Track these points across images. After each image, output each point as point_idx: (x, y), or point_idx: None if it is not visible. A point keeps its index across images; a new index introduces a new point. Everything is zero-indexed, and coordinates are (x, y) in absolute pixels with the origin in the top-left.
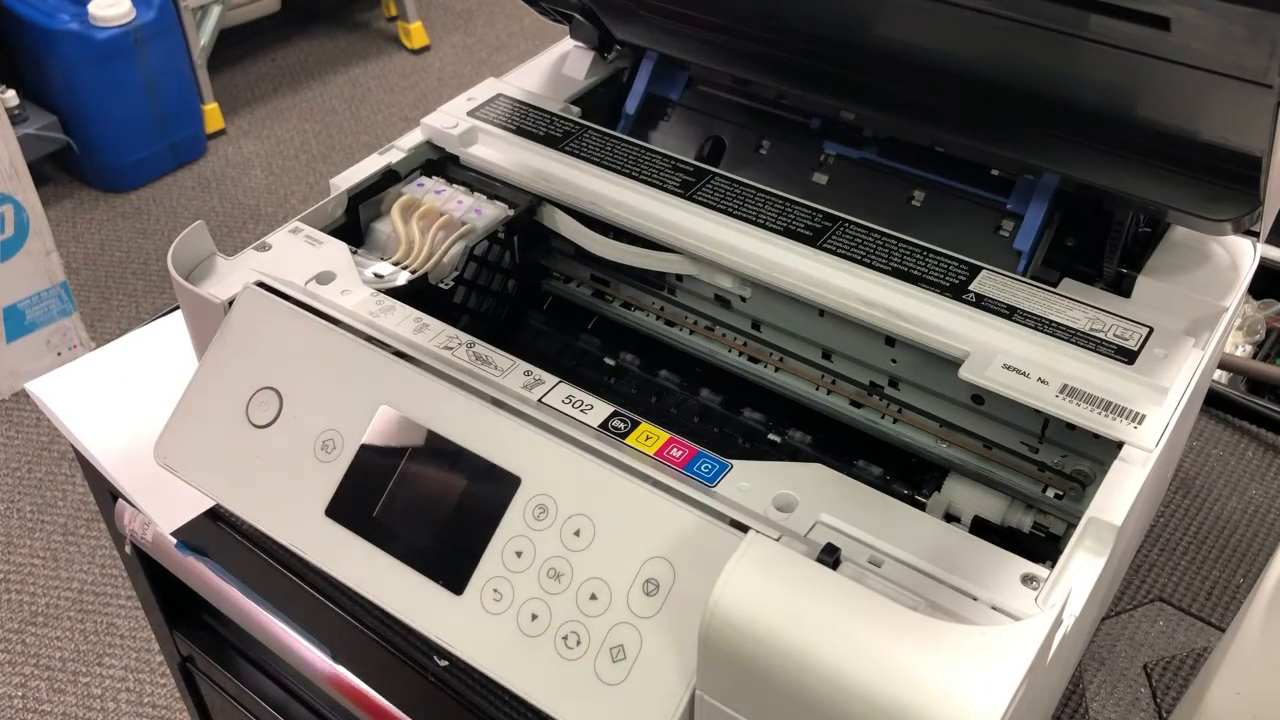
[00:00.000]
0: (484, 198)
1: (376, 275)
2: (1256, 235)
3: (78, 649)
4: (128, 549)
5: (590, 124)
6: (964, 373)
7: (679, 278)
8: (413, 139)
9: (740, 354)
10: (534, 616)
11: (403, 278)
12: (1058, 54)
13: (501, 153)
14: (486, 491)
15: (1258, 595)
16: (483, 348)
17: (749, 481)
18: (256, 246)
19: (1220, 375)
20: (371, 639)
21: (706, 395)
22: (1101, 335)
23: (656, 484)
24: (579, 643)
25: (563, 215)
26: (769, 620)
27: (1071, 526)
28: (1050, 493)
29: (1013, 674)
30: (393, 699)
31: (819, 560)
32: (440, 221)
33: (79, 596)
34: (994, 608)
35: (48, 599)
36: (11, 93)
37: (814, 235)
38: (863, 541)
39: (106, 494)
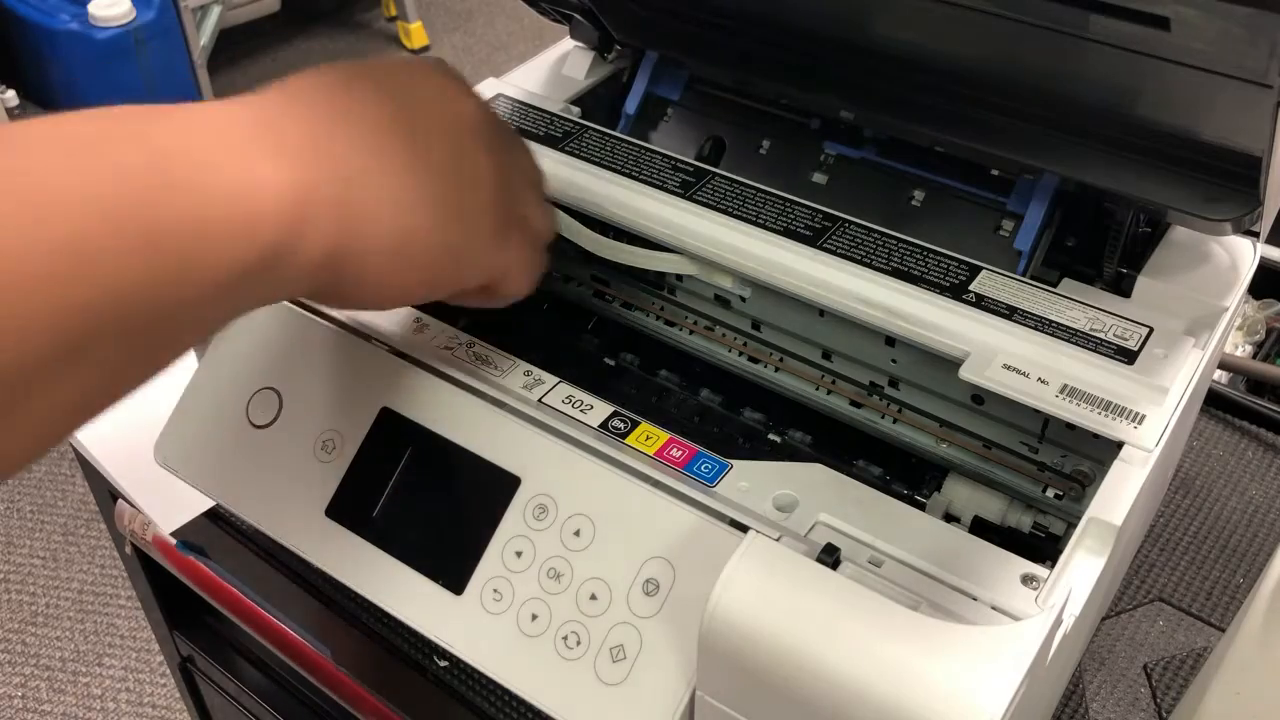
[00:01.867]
0: None
1: None
2: (1256, 235)
3: (78, 649)
4: (128, 549)
5: (590, 124)
6: (964, 373)
7: (679, 278)
8: None
9: (740, 354)
10: (534, 616)
11: None
12: (1057, 54)
13: None
14: (486, 491)
15: (1258, 595)
16: (483, 348)
17: (749, 481)
18: None
19: (1220, 375)
20: (371, 639)
21: (706, 395)
22: (1101, 335)
23: (656, 484)
24: (579, 643)
25: (563, 215)
26: (769, 620)
27: (1071, 526)
28: (1050, 493)
29: (1013, 674)
30: (393, 699)
31: (819, 560)
32: None
33: (79, 596)
34: (994, 608)
35: (48, 599)
36: (11, 93)
37: (814, 235)
38: (863, 541)
39: (106, 494)
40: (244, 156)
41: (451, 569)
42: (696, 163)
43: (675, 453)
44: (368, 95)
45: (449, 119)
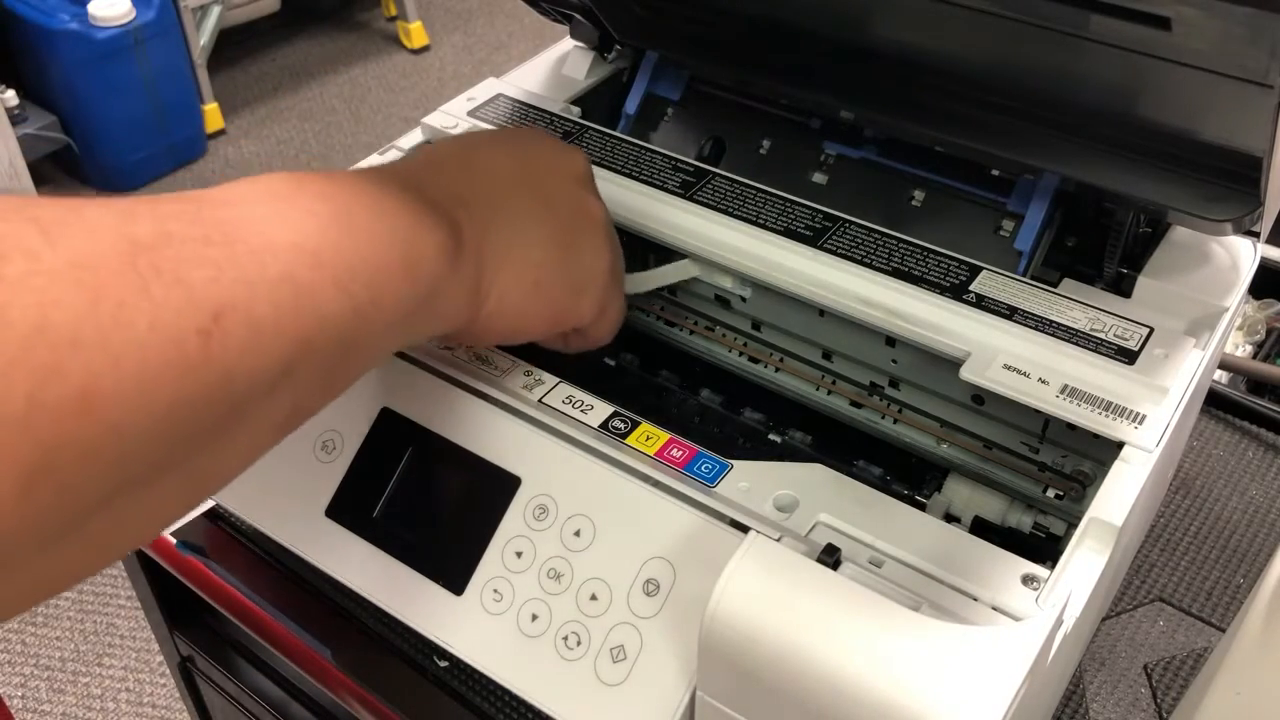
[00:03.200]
0: None
1: None
2: (1257, 235)
3: (78, 649)
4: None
5: (590, 124)
6: (964, 373)
7: None
8: (413, 139)
9: (740, 354)
10: (534, 617)
11: None
12: (1058, 54)
13: None
14: (486, 491)
15: (1258, 595)
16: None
17: (749, 482)
18: None
19: (1220, 375)
20: (371, 639)
21: (707, 395)
22: (1102, 335)
23: (656, 484)
24: (579, 643)
25: None
26: (769, 621)
27: (1072, 527)
28: (1051, 493)
29: (1013, 674)
30: (393, 699)
31: (819, 560)
32: None
33: (79, 596)
34: (994, 608)
35: None
36: (11, 93)
37: (814, 235)
38: (863, 542)
39: None
40: (406, 209)
41: (451, 569)
42: (696, 163)
43: (675, 453)
44: (495, 156)
45: (564, 171)
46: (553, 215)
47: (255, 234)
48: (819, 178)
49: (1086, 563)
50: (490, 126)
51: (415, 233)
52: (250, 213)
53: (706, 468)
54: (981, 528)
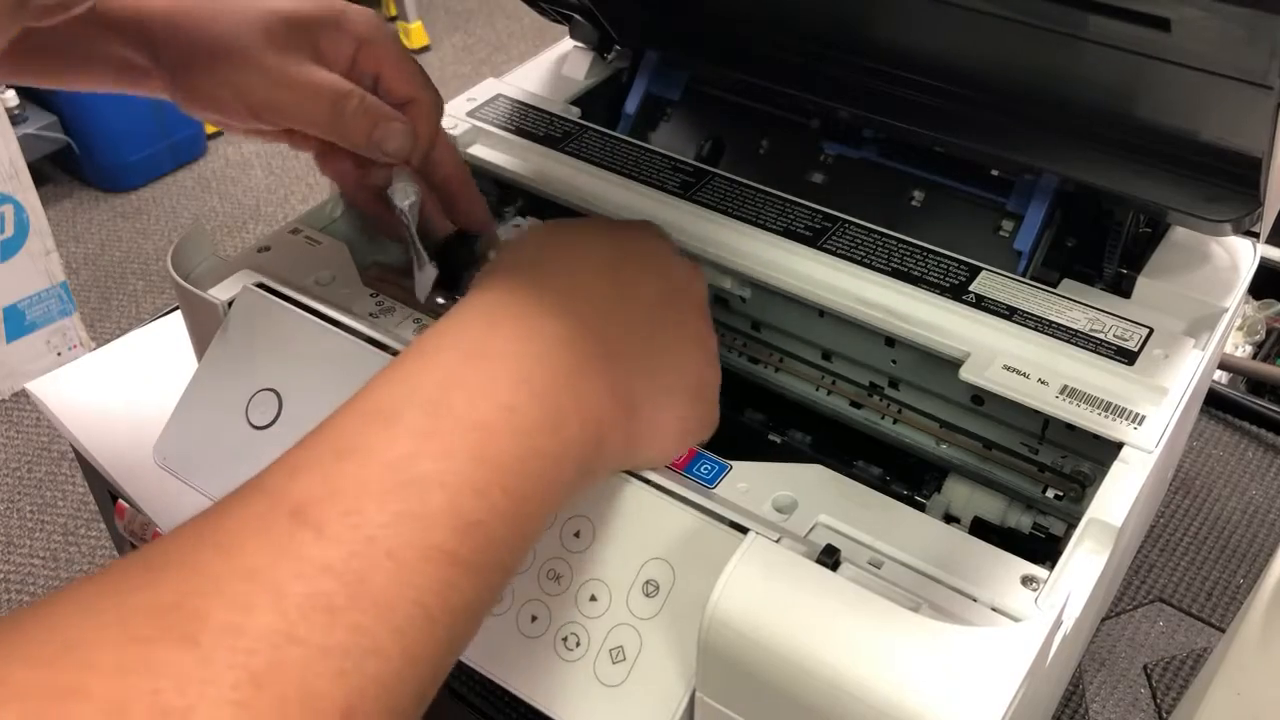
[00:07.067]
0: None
1: None
2: (1256, 236)
3: None
4: (128, 549)
5: (590, 124)
6: (964, 373)
7: None
8: None
9: (740, 354)
10: (534, 618)
11: None
12: (1057, 54)
13: (502, 153)
14: None
15: (1258, 595)
16: None
17: (748, 482)
18: (256, 247)
19: (1220, 375)
20: None
21: None
22: (1101, 336)
23: (656, 485)
24: (579, 644)
25: None
26: (768, 621)
27: (1071, 527)
28: (1050, 493)
29: (1012, 675)
30: None
31: (818, 561)
32: None
33: None
34: (994, 609)
35: None
36: (11, 93)
37: (814, 235)
38: (862, 542)
39: (106, 494)
40: (554, 404)
41: None
42: (696, 163)
43: None
44: (640, 282)
45: (696, 299)
46: (691, 360)
47: (403, 461)
48: (818, 178)
49: (1086, 563)
50: (491, 128)
51: (563, 423)
52: (408, 443)
53: (706, 469)
54: (981, 528)
